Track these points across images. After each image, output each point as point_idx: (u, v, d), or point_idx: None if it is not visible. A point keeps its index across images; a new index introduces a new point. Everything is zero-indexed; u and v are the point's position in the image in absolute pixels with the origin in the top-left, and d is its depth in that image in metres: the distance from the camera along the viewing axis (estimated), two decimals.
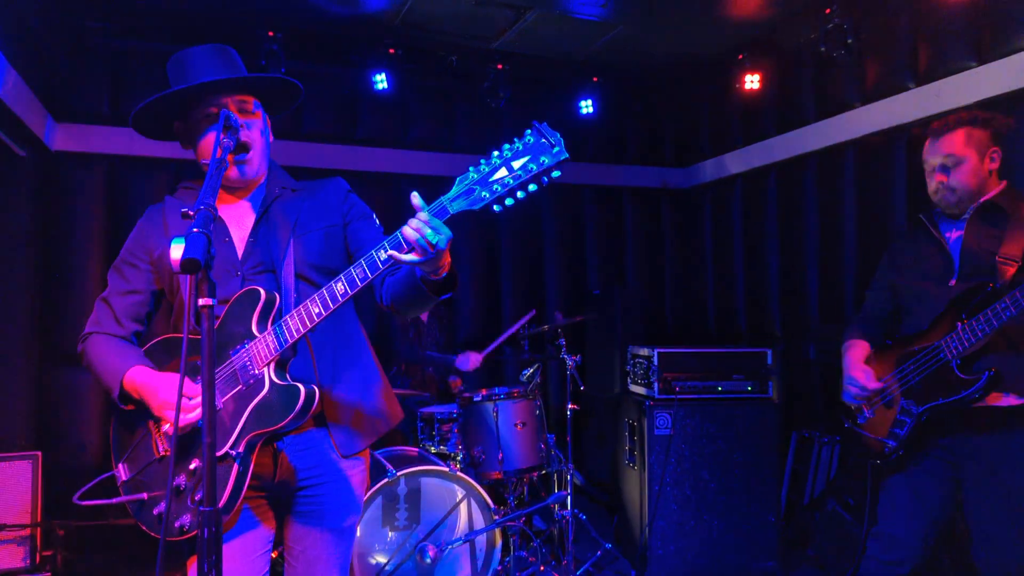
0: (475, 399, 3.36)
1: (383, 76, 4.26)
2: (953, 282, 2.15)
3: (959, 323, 2.05)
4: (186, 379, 1.54)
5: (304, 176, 1.90)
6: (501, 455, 3.26)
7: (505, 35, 4.14)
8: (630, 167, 5.45)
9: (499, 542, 3.10)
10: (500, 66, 4.36)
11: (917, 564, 2.20)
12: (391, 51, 4.17)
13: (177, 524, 1.56)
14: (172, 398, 1.56)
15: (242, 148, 1.62)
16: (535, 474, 3.37)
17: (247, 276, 1.67)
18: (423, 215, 1.41)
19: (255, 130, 1.69)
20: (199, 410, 1.54)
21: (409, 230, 1.41)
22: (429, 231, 1.39)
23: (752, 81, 4.39)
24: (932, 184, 2.19)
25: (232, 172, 1.66)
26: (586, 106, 4.83)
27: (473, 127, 4.92)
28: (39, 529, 3.29)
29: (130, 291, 1.74)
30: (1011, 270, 2.02)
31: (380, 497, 2.98)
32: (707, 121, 5.31)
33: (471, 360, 3.95)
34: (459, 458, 3.38)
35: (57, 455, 3.71)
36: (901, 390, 2.19)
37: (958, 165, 2.13)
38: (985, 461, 2.08)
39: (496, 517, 3.07)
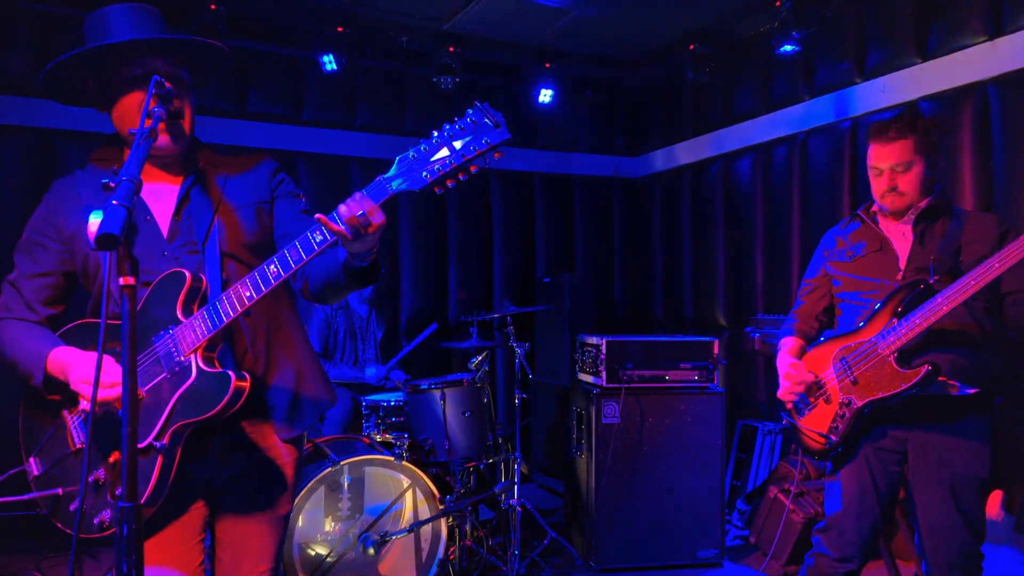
0: (422, 387, 3.30)
1: (331, 57, 4.13)
2: (899, 277, 2.18)
3: (895, 318, 2.09)
4: (108, 360, 1.44)
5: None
6: (448, 444, 3.22)
7: (456, 17, 4.07)
8: (582, 155, 5.46)
9: (444, 532, 3.06)
10: (451, 48, 4.29)
11: (867, 558, 2.22)
12: (339, 30, 4.05)
13: (96, 520, 1.47)
14: (93, 373, 1.43)
15: (175, 115, 1.51)
16: (482, 463, 3.34)
17: (175, 256, 1.58)
18: (359, 194, 1.35)
19: (184, 98, 1.58)
20: (119, 388, 1.43)
21: (344, 208, 1.34)
22: (365, 210, 1.33)
23: (701, 72, 4.42)
24: (881, 187, 2.22)
25: (163, 140, 1.53)
26: (545, 95, 4.80)
27: (424, 110, 4.84)
28: None
29: (40, 273, 1.61)
30: (944, 269, 2.09)
31: (323, 486, 2.91)
32: (659, 111, 5.35)
33: (376, 373, 3.87)
34: (405, 447, 3.32)
35: None
36: (840, 385, 2.21)
37: (908, 171, 2.18)
38: (933, 452, 2.11)
39: (442, 506, 3.03)
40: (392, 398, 3.46)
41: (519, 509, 3.33)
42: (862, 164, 3.76)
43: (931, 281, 2.08)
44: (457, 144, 1.34)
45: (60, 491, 1.55)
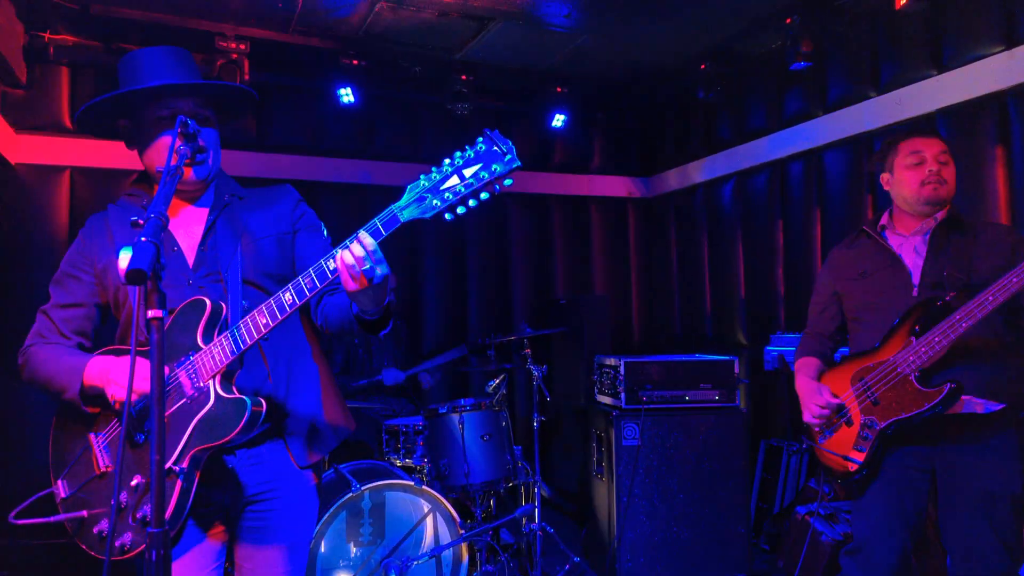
0: (440, 411, 3.32)
1: (348, 90, 4.24)
2: (915, 294, 2.16)
3: (913, 337, 2.07)
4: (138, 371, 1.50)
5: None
6: (467, 468, 3.23)
7: (469, 46, 4.15)
8: (596, 176, 5.49)
9: (466, 557, 3.06)
10: (464, 76, 4.37)
11: None
12: (355, 63, 4.15)
13: (118, 543, 1.51)
14: (124, 376, 1.50)
15: (200, 152, 1.59)
16: (502, 487, 3.34)
17: (199, 285, 1.63)
18: (365, 240, 1.38)
19: (211, 134, 1.66)
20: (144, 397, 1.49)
21: (347, 254, 1.38)
22: (366, 263, 1.36)
23: (714, 90, 4.43)
24: (923, 173, 2.17)
25: (189, 175, 1.61)
26: (557, 119, 4.86)
27: (438, 137, 4.92)
28: None
29: (72, 303, 1.69)
30: (959, 284, 2.07)
31: (344, 512, 2.93)
32: (671, 131, 5.37)
33: (394, 374, 3.91)
34: (425, 471, 3.34)
35: (9, 476, 3.61)
36: (860, 407, 2.17)
37: (948, 165, 2.19)
38: (962, 471, 2.07)
39: (462, 531, 3.03)
40: (412, 422, 3.48)
41: (540, 533, 3.31)
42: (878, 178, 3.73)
43: (947, 298, 2.05)
44: (467, 172, 1.37)
45: (85, 513, 1.59)
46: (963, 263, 2.12)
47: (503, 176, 1.37)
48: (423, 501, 3.05)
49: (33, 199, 3.98)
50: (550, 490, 4.54)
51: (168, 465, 1.49)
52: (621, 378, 3.44)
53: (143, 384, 1.48)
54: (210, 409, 1.50)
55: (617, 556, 3.32)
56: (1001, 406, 2.02)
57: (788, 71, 3.98)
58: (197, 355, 1.53)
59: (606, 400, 3.62)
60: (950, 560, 2.13)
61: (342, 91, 4.24)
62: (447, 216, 1.40)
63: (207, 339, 1.54)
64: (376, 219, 1.40)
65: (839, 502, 3.51)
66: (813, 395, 2.24)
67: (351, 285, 1.39)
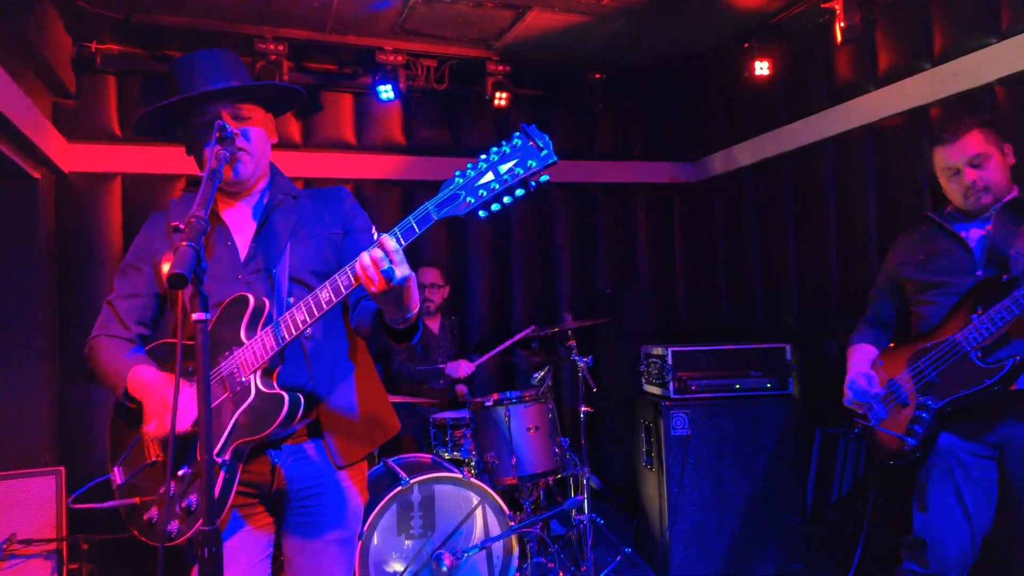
0: (486, 404, 3.33)
1: (388, 86, 4.25)
2: (979, 273, 2.12)
3: (975, 315, 2.01)
4: (182, 384, 1.54)
5: (313, 186, 1.90)
6: (515, 460, 3.22)
7: (505, 35, 4.12)
8: (638, 163, 5.38)
9: (516, 549, 3.06)
10: (502, 67, 4.33)
11: None
12: (392, 58, 4.17)
13: (166, 530, 1.56)
14: (158, 406, 1.56)
15: (238, 152, 1.63)
16: (550, 478, 3.33)
17: (248, 280, 1.67)
18: (387, 244, 1.37)
19: (249, 131, 1.68)
20: (188, 420, 1.54)
21: (366, 255, 1.39)
22: (384, 263, 1.36)
23: (761, 68, 4.28)
24: (962, 186, 2.15)
25: (230, 174, 1.65)
26: (596, 106, 4.78)
27: (478, 129, 4.89)
28: (64, 543, 3.34)
29: (133, 294, 1.75)
30: (1020, 268, 2.00)
31: (395, 505, 2.97)
32: (715, 113, 5.22)
33: (462, 368, 3.92)
34: (473, 464, 3.35)
35: (80, 469, 3.76)
36: (916, 387, 2.12)
37: (987, 162, 2.11)
38: None
39: (512, 523, 3.03)
40: (459, 415, 3.50)
41: (590, 524, 3.29)
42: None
43: (1003, 280, 1.99)
44: (502, 168, 1.35)
45: (137, 500, 1.65)
46: (1012, 241, 2.05)
47: (539, 172, 1.34)
48: (472, 494, 3.06)
49: (88, 206, 4.12)
50: (599, 481, 4.51)
51: (210, 456, 1.52)
52: (669, 367, 3.39)
53: (184, 405, 1.53)
54: (251, 403, 1.54)
55: (669, 547, 3.28)
56: None
57: (837, 45, 3.82)
58: (239, 350, 1.56)
59: (654, 390, 3.56)
60: (1020, 549, 2.06)
61: (381, 87, 4.26)
62: (481, 213, 1.38)
63: (250, 334, 1.56)
64: (410, 217, 1.40)
65: (900, 491, 3.38)
66: (858, 382, 2.22)
67: (370, 287, 1.39)
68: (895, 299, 2.37)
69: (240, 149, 1.63)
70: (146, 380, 1.62)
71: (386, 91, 4.26)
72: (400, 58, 4.17)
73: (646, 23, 4.08)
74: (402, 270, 1.37)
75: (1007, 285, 1.98)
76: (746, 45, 4.29)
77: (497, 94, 4.41)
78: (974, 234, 2.18)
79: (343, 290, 1.47)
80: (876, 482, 3.44)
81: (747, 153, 4.87)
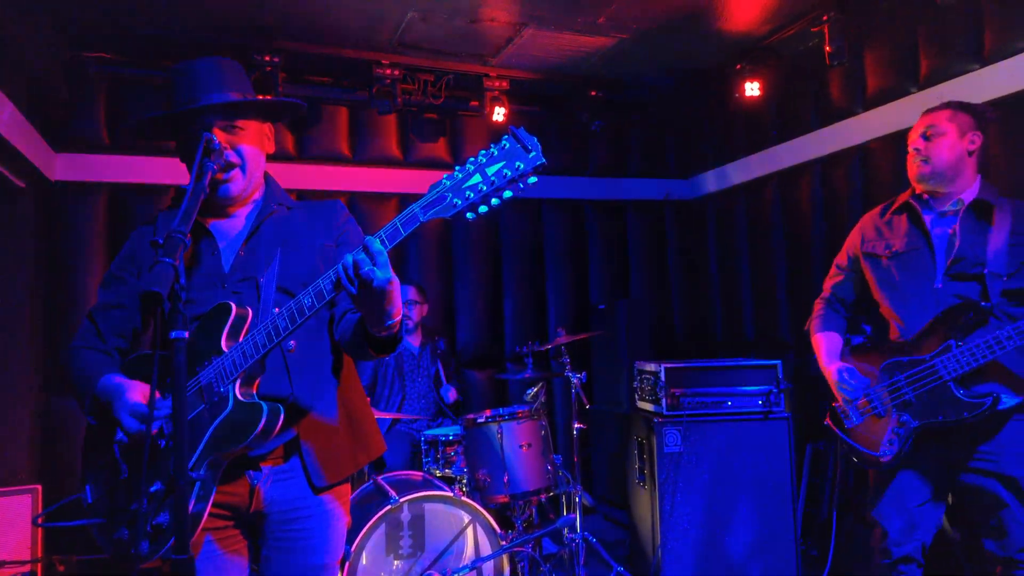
0: (479, 420, 3.29)
1: (381, 97, 4.24)
2: (939, 285, 2.12)
3: (953, 342, 2.03)
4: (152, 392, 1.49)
5: (308, 198, 1.87)
6: (507, 478, 3.18)
7: (502, 52, 4.13)
8: (632, 180, 5.41)
9: (507, 568, 3.01)
10: (499, 83, 4.34)
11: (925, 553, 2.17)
12: (388, 72, 4.16)
13: (134, 550, 1.49)
14: (136, 398, 1.51)
15: (225, 168, 1.60)
16: (543, 496, 3.28)
17: (232, 289, 1.62)
18: (372, 246, 1.35)
19: (242, 147, 1.65)
20: (156, 421, 1.49)
21: (348, 257, 1.36)
22: (365, 265, 1.34)
23: (752, 89, 4.34)
24: (910, 152, 2.19)
25: (220, 189, 1.62)
26: (592, 123, 4.81)
27: (475, 144, 4.90)
28: (39, 565, 3.23)
29: (116, 305, 1.70)
30: (998, 286, 2.02)
31: (383, 524, 2.91)
32: (708, 132, 5.27)
33: (452, 393, 3.91)
34: (464, 481, 3.30)
35: (58, 488, 3.66)
36: (893, 403, 2.13)
37: (936, 137, 2.13)
38: (1014, 454, 2.04)
39: (503, 543, 2.98)
40: (450, 432, 3.45)
41: (582, 543, 3.25)
42: None
43: (984, 306, 2.00)
44: (490, 170, 1.35)
45: (105, 519, 1.58)
46: (981, 254, 2.05)
47: (527, 174, 1.34)
48: (463, 512, 3.01)
49: (74, 216, 4.05)
50: (592, 499, 4.47)
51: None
52: (662, 384, 3.37)
53: (144, 421, 1.48)
54: (228, 414, 1.48)
55: (661, 566, 3.25)
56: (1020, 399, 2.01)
57: (826, 69, 3.88)
58: (219, 359, 1.51)
59: (647, 407, 3.54)
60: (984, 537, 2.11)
61: (377, 101, 4.25)
62: (469, 215, 1.37)
63: (230, 343, 1.52)
64: (396, 219, 1.38)
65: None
66: (844, 375, 2.21)
67: (351, 288, 1.36)
68: (857, 280, 2.36)
69: (231, 165, 1.61)
70: (116, 383, 1.56)
71: (382, 105, 4.23)
72: (397, 72, 4.17)
73: (642, 42, 4.12)
74: (384, 272, 1.34)
75: (985, 312, 1.99)
76: (738, 66, 4.35)
77: (494, 109, 4.42)
78: (939, 233, 2.17)
79: (325, 295, 1.43)
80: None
81: (739, 172, 4.92)
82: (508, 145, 1.35)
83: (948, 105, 2.17)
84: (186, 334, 1.24)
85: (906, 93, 3.66)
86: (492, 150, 1.36)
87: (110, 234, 4.11)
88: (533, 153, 1.34)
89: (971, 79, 3.33)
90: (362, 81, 4.29)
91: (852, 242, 2.40)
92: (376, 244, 1.35)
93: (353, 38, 3.96)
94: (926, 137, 2.15)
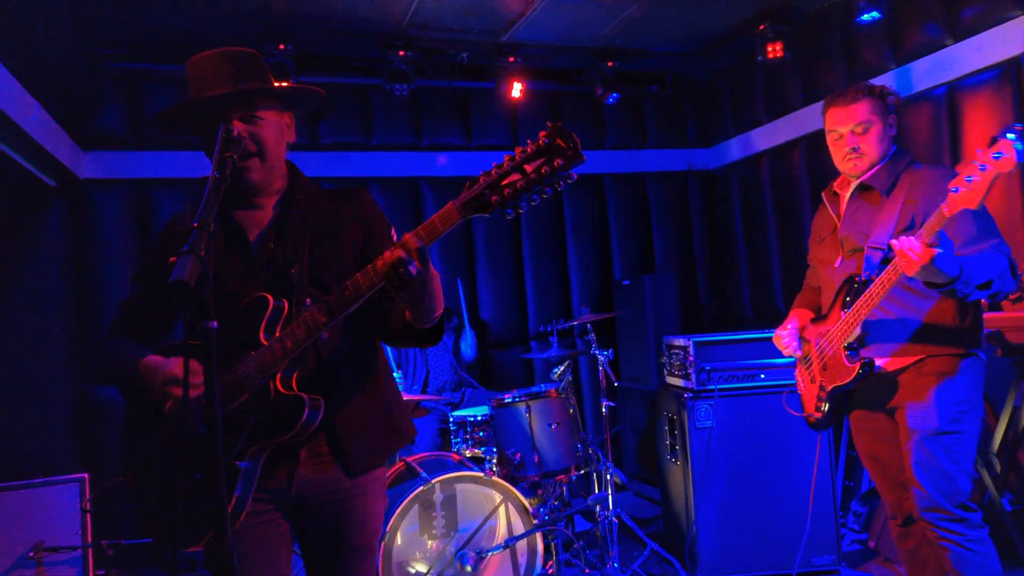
0: (506, 400, 3.29)
1: (395, 80, 4.21)
2: (839, 263, 2.29)
3: (844, 311, 2.19)
4: (194, 364, 1.50)
5: (325, 186, 1.87)
6: (537, 457, 3.18)
7: (514, 26, 4.06)
8: (653, 151, 5.31)
9: (540, 546, 3.02)
10: (512, 59, 4.28)
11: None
12: (401, 54, 4.13)
13: (177, 536, 1.53)
14: (178, 371, 1.52)
15: (245, 156, 1.59)
16: (573, 474, 3.28)
17: (262, 280, 1.63)
18: (409, 242, 1.37)
19: (261, 135, 1.64)
20: (200, 388, 1.47)
21: (389, 253, 1.38)
22: (406, 263, 1.37)
23: (775, 51, 4.19)
24: (843, 151, 2.28)
25: (240, 179, 1.61)
26: (609, 95, 4.72)
27: (489, 123, 4.85)
28: (90, 549, 3.35)
29: (151, 297, 1.70)
30: (877, 258, 2.15)
31: (416, 505, 2.93)
32: (730, 98, 5.13)
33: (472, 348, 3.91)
34: (495, 461, 3.31)
35: (102, 475, 3.78)
36: (819, 366, 2.31)
37: (867, 131, 2.24)
38: (915, 415, 2.16)
39: (535, 521, 2.99)
40: (479, 413, 3.46)
41: (615, 520, 3.24)
42: (960, 131, 3.46)
43: (858, 279, 2.15)
44: (528, 168, 1.33)
45: (149, 505, 1.60)
46: (867, 229, 2.21)
47: (566, 171, 1.33)
48: (494, 492, 3.02)
49: (103, 212, 4.13)
50: (623, 476, 4.45)
51: (229, 460, 1.50)
52: (691, 359, 3.32)
53: (193, 389, 1.46)
54: (270, 407, 1.50)
55: (696, 541, 3.22)
56: (915, 359, 2.15)
57: (856, 24, 3.72)
58: (258, 352, 1.52)
59: (676, 382, 3.50)
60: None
61: (390, 85, 4.22)
62: (508, 213, 1.37)
63: (268, 336, 1.53)
64: (434, 216, 1.39)
65: None
66: (779, 335, 2.46)
67: (392, 285, 1.39)
68: (815, 269, 2.55)
69: (249, 153, 1.60)
70: (158, 361, 1.57)
71: (395, 88, 4.22)
72: (410, 54, 4.13)
73: (657, 8, 4.01)
74: (425, 269, 1.37)
75: (863, 284, 2.13)
76: (761, 27, 4.20)
77: (512, 86, 4.35)
78: (848, 218, 2.33)
79: (364, 291, 1.45)
80: None
81: (764, 138, 4.79)
82: (547, 141, 1.34)
83: (863, 95, 2.26)
84: (215, 324, 1.24)
85: (942, 45, 3.50)
86: (530, 147, 1.34)
87: (139, 229, 4.19)
88: (572, 150, 1.32)
89: (1013, 25, 3.16)
90: (375, 65, 4.27)
91: (811, 235, 2.60)
92: (415, 241, 1.37)
93: (364, 21, 3.93)
94: (859, 132, 2.25)
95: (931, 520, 2.09)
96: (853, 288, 2.16)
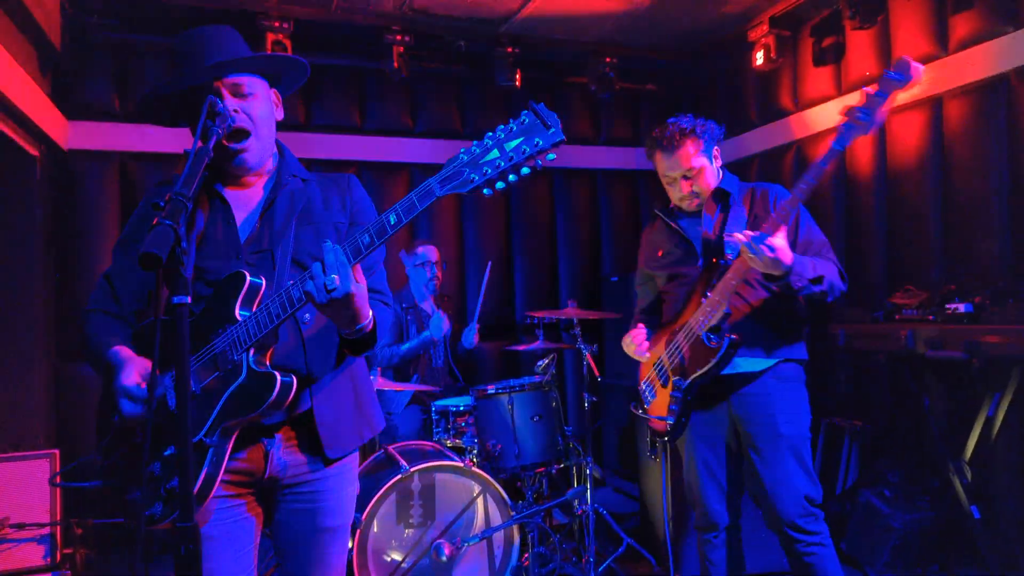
0: (489, 391, 3.28)
1: (391, 65, 4.17)
2: (700, 264, 2.35)
3: (703, 299, 2.23)
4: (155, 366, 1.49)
5: (315, 168, 1.86)
6: (517, 449, 3.18)
7: (513, 17, 4.04)
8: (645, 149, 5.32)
9: (517, 538, 3.02)
10: (510, 49, 4.26)
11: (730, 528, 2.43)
12: (399, 38, 4.09)
13: (148, 512, 1.51)
14: (133, 380, 1.50)
15: (238, 135, 1.58)
16: (553, 467, 3.28)
17: (246, 260, 1.62)
18: (326, 256, 1.39)
19: (253, 111, 1.62)
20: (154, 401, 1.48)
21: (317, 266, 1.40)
22: (330, 274, 1.39)
23: (769, 57, 4.21)
24: (677, 193, 2.40)
25: (230, 163, 1.61)
26: (604, 91, 4.70)
27: (485, 113, 4.83)
28: (58, 527, 3.29)
29: (130, 268, 1.69)
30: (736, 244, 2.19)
31: (394, 493, 2.92)
32: (725, 100, 5.14)
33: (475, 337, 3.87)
34: (475, 452, 3.30)
35: (75, 452, 3.72)
36: (671, 368, 2.34)
37: (699, 174, 2.35)
38: (765, 422, 2.25)
39: (513, 513, 2.99)
40: (461, 403, 3.45)
41: (592, 514, 3.25)
42: (954, 139, 3.49)
43: (725, 261, 2.21)
44: (508, 146, 1.34)
45: (118, 481, 1.59)
46: (721, 227, 2.32)
47: (546, 150, 1.33)
48: (473, 483, 3.02)
49: (87, 184, 4.06)
50: (602, 470, 4.47)
51: (199, 437, 1.49)
52: None
53: (143, 404, 1.50)
54: (241, 382, 1.49)
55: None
56: (773, 361, 2.26)
57: (846, 33, 3.74)
58: (232, 328, 1.51)
59: None
60: (761, 494, 2.32)
61: (386, 69, 4.18)
62: (486, 191, 1.36)
63: (244, 313, 1.52)
64: (412, 193, 1.38)
65: (908, 485, 3.34)
66: (632, 342, 2.47)
67: (313, 299, 1.42)
68: (652, 288, 2.60)
69: (244, 133, 1.59)
70: (120, 360, 1.56)
71: (391, 72, 4.18)
72: (408, 38, 4.09)
73: (656, 8, 4.01)
74: (344, 284, 1.39)
75: (724, 268, 2.19)
76: (755, 32, 4.22)
77: (507, 76, 4.33)
78: (694, 228, 2.43)
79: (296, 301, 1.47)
80: (883, 474, 3.39)
81: (755, 141, 4.81)
82: (527, 120, 1.35)
83: (686, 137, 2.33)
84: (188, 299, 1.22)
85: (936, 57, 3.53)
86: (511, 125, 1.35)
87: (123, 202, 4.12)
88: (552, 129, 1.33)
89: (1004, 42, 3.20)
90: (372, 49, 4.22)
91: (639, 261, 2.68)
92: (330, 256, 1.39)
93: (363, 4, 3.89)
94: (690, 177, 2.36)
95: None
96: (716, 273, 2.24)
